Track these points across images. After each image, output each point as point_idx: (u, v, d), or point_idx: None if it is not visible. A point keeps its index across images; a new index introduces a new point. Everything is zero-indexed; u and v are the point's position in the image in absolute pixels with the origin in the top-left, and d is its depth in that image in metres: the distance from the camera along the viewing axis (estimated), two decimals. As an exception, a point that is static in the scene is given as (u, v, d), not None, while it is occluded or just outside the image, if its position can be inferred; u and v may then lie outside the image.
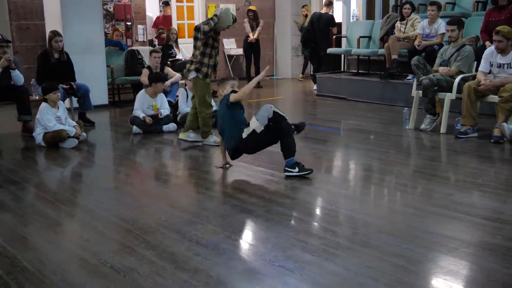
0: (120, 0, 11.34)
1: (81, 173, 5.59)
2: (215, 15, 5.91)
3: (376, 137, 6.51)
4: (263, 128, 4.64)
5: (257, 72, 11.76)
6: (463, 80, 6.41)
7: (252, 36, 11.73)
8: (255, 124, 4.66)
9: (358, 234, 3.45)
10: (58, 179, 5.33)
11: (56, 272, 2.99)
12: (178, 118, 7.25)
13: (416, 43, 8.09)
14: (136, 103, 7.09)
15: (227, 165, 5.12)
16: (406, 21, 8.73)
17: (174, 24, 12.72)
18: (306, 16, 11.92)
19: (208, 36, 5.90)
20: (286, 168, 4.70)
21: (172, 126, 7.06)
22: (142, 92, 7.14)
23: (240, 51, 13.27)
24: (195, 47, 6.06)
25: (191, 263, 3.06)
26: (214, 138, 6.06)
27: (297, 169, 4.66)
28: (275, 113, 4.62)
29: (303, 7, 12.51)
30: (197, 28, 6.01)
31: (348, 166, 5.68)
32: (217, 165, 5.19)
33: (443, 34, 7.83)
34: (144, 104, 7.00)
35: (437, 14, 8.02)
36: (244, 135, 4.70)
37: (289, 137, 4.70)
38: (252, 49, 11.88)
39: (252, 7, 11.92)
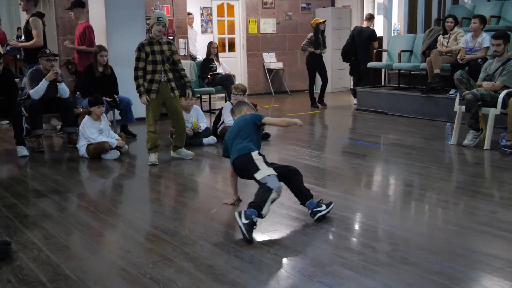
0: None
1: (122, 184, 5.69)
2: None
3: (417, 152, 6.41)
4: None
5: (324, 87, 11.19)
6: (508, 95, 6.27)
7: (322, 51, 10.82)
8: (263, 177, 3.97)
9: (398, 251, 3.40)
10: (100, 190, 5.44)
11: (97, 281, 3.05)
12: (219, 130, 7.30)
13: (459, 57, 7.96)
14: None
15: (238, 201, 4.46)
16: (449, 35, 8.60)
17: (215, 38, 12.88)
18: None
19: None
20: (313, 210, 4.02)
21: (211, 139, 7.14)
22: None
23: (280, 65, 13.29)
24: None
25: (229, 276, 3.06)
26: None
27: (324, 206, 4.05)
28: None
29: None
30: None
31: (388, 181, 5.61)
32: (227, 202, 4.47)
33: (487, 48, 7.68)
34: None
35: (480, 27, 7.84)
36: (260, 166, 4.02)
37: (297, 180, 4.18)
38: (318, 64, 10.92)
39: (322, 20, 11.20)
